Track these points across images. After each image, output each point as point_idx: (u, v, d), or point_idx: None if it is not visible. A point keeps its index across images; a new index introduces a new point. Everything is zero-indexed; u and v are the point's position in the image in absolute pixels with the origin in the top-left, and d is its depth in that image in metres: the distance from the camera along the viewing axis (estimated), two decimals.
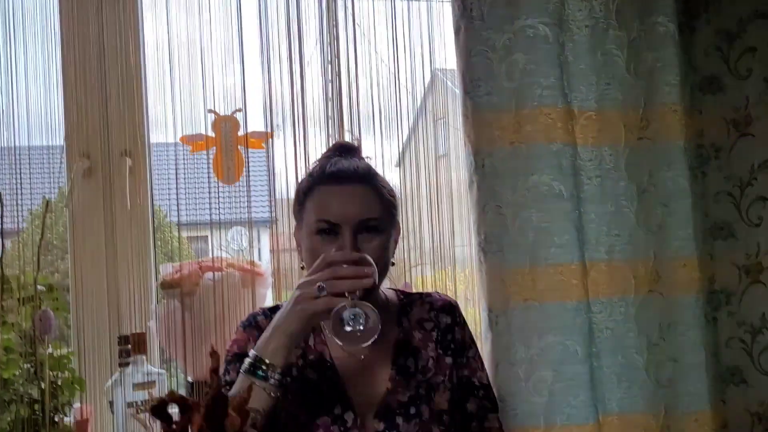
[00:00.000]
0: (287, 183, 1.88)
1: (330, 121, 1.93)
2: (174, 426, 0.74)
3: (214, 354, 0.77)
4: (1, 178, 1.78)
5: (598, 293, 1.76)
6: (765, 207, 1.86)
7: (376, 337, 1.24)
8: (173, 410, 0.77)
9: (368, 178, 1.40)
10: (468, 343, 1.49)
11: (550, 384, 1.72)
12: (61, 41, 1.86)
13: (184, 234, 2.02)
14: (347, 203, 1.36)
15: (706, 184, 1.84)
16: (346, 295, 1.24)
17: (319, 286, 1.24)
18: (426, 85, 2.05)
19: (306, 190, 1.41)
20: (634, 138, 1.79)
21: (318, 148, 1.89)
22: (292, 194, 1.49)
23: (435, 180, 1.99)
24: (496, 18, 1.75)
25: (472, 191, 1.77)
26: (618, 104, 1.79)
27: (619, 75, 1.79)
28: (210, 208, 1.88)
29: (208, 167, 1.91)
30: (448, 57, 1.95)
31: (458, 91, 1.80)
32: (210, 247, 1.95)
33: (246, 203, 1.89)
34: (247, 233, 1.92)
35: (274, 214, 1.98)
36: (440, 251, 1.99)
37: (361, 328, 1.23)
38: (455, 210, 2.00)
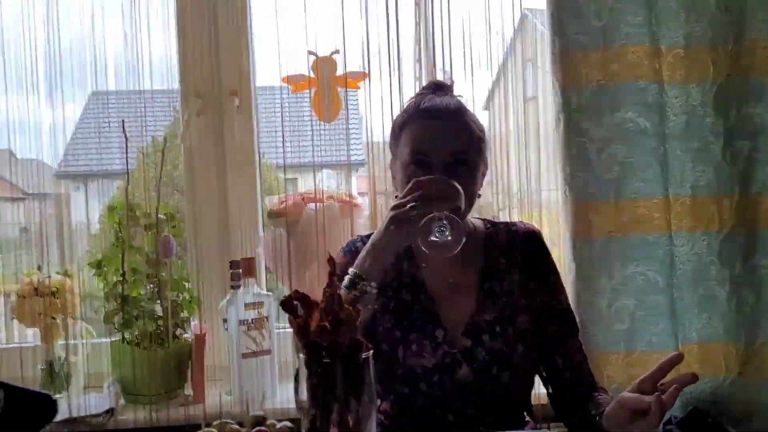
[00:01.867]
0: (382, 124, 1.97)
1: (419, 63, 2.01)
2: (298, 318, 0.88)
3: (330, 260, 0.90)
4: (126, 118, 1.95)
5: (681, 227, 1.82)
6: None
7: (460, 246, 1.34)
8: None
9: (459, 114, 1.50)
10: (551, 269, 1.58)
11: (632, 312, 1.81)
12: None
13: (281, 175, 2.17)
14: (439, 137, 1.47)
15: None
16: (435, 213, 1.34)
17: (410, 206, 1.35)
18: (515, 26, 2.09)
19: (401, 125, 1.52)
20: (722, 75, 1.80)
21: (411, 89, 1.98)
22: (384, 136, 1.59)
23: (523, 123, 2.03)
24: None
25: (558, 129, 1.84)
26: (707, 41, 1.80)
27: (709, 11, 1.80)
28: (309, 148, 2.00)
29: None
30: None
31: (547, 32, 1.86)
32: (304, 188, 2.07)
33: (344, 143, 2.01)
34: (335, 176, 2.04)
35: (368, 156, 2.09)
36: (527, 195, 2.03)
37: (448, 238, 1.33)
38: (542, 154, 2.03)
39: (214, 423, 0.90)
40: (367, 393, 0.90)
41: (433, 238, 1.33)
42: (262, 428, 0.91)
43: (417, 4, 2.01)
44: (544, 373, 1.56)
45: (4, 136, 2.01)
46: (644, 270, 1.81)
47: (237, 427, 0.90)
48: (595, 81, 1.81)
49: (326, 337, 0.86)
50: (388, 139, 1.62)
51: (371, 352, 0.89)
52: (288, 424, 0.92)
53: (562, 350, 1.54)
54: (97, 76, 1.99)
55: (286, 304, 0.87)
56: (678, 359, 1.27)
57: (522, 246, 1.57)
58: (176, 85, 2.04)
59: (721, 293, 1.81)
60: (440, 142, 1.46)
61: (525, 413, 1.57)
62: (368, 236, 1.58)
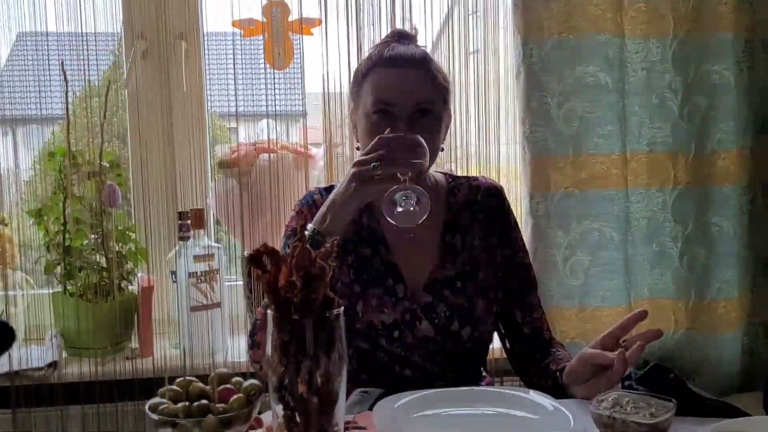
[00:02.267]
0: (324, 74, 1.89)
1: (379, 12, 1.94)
2: (267, 274, 0.83)
3: (299, 212, 0.86)
4: (66, 61, 1.84)
5: (637, 183, 1.82)
6: None
7: (425, 217, 1.31)
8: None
9: (424, 63, 1.45)
10: (512, 224, 1.57)
11: (587, 268, 1.82)
12: None
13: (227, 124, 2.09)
14: (404, 86, 1.42)
15: (751, 78, 1.84)
16: (399, 176, 1.30)
17: (373, 165, 1.31)
18: None
19: (364, 72, 1.47)
20: (682, 31, 1.79)
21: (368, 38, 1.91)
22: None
23: (465, 77, 1.96)
24: None
25: (518, 81, 1.81)
26: None
27: None
28: (255, 96, 1.92)
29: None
30: None
31: None
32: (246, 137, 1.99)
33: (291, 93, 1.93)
34: (275, 126, 1.97)
35: (304, 108, 2.01)
36: (485, 151, 1.97)
37: (412, 208, 1.30)
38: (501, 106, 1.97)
39: (177, 380, 0.85)
40: (338, 350, 0.86)
41: (398, 209, 1.29)
42: (229, 386, 0.86)
43: None
44: (502, 329, 1.55)
45: None
46: (600, 226, 1.82)
47: (202, 385, 0.86)
48: (556, 33, 1.78)
49: (296, 294, 0.82)
50: (335, 90, 1.54)
51: (342, 308, 0.85)
52: (256, 382, 0.88)
53: (521, 305, 1.53)
54: (35, 15, 1.86)
55: (254, 259, 0.83)
56: (642, 316, 1.27)
57: (484, 201, 1.55)
58: (119, 27, 1.93)
59: (673, 250, 1.84)
60: (405, 91, 1.41)
61: (481, 368, 1.57)
62: (327, 189, 1.53)
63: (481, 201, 1.55)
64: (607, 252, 1.82)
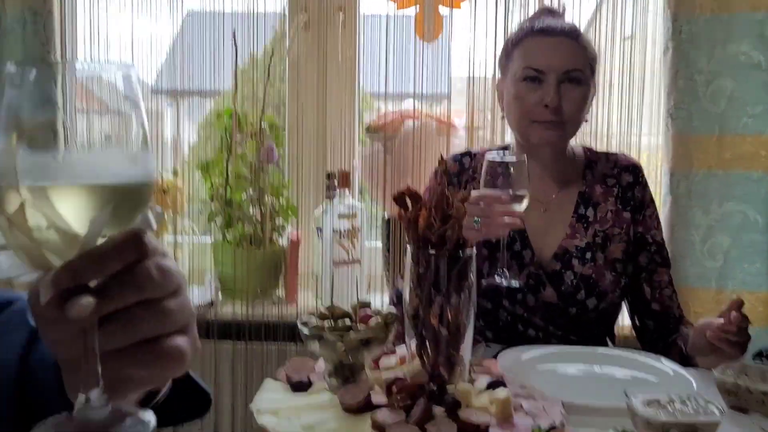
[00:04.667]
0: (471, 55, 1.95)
1: None
2: (409, 212, 0.93)
3: (442, 161, 0.95)
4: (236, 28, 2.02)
5: None
6: None
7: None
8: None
9: (574, 34, 1.49)
10: (647, 202, 1.57)
11: (726, 250, 1.79)
12: None
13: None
14: (554, 53, 1.47)
15: None
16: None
17: (474, 219, 1.29)
18: None
19: (515, 42, 1.53)
20: None
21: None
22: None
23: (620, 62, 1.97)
24: None
25: (666, 57, 1.81)
26: None
27: None
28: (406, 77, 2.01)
29: None
30: None
31: None
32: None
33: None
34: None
35: (449, 90, 2.07)
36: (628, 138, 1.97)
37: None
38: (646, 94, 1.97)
39: (324, 305, 0.97)
40: (468, 289, 0.95)
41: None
42: (368, 312, 0.97)
43: None
44: (631, 304, 1.57)
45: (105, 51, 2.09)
46: (744, 208, 1.78)
47: (344, 308, 0.97)
48: (709, 10, 1.75)
49: (434, 232, 0.91)
50: (480, 74, 1.59)
51: (474, 250, 0.94)
52: (393, 310, 0.98)
53: (651, 282, 1.54)
54: None
55: (398, 199, 0.92)
56: (740, 305, 1.24)
57: (620, 176, 1.57)
58: (281, 7, 2.08)
59: None
60: (555, 58, 1.46)
61: (607, 338, 1.59)
62: (462, 154, 1.61)
63: (617, 176, 1.57)
64: (749, 235, 1.79)
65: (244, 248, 1.99)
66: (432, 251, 0.92)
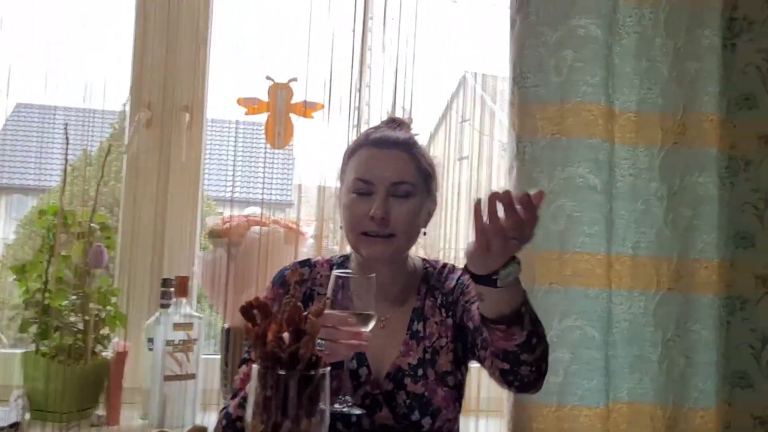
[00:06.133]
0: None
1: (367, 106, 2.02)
2: (257, 327, 0.83)
3: (294, 270, 0.87)
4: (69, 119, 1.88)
5: (621, 285, 1.85)
6: None
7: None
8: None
9: (407, 146, 1.48)
10: (460, 291, 1.49)
11: (566, 366, 1.81)
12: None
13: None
14: (385, 164, 1.44)
15: (733, 193, 1.90)
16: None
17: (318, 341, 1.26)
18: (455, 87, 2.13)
19: (350, 153, 1.51)
20: (669, 142, 1.87)
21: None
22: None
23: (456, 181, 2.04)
24: (549, 15, 1.84)
25: (510, 176, 1.86)
26: (658, 108, 1.88)
27: (662, 81, 1.88)
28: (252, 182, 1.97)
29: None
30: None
31: (507, 80, 1.89)
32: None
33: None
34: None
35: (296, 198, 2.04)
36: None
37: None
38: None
39: (152, 426, 0.83)
40: (320, 412, 0.85)
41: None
42: None
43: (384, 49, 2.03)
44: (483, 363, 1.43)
45: None
46: (582, 324, 1.82)
47: None
48: (549, 133, 1.84)
49: (285, 349, 0.82)
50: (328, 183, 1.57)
51: (329, 368, 0.85)
52: None
53: (483, 339, 1.37)
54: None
55: (245, 311, 0.83)
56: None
57: (442, 284, 1.52)
58: (121, 106, 1.99)
59: (653, 354, 1.84)
60: (384, 170, 1.43)
61: None
62: (301, 263, 1.54)
63: (439, 286, 1.53)
64: (588, 351, 1.82)
65: (61, 361, 1.77)
66: (281, 371, 0.82)
